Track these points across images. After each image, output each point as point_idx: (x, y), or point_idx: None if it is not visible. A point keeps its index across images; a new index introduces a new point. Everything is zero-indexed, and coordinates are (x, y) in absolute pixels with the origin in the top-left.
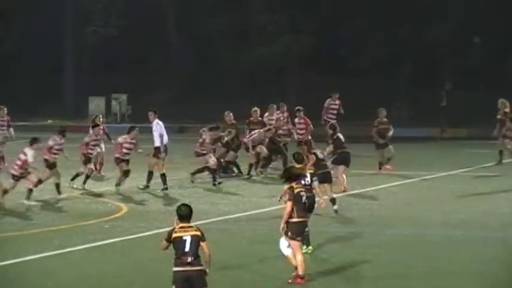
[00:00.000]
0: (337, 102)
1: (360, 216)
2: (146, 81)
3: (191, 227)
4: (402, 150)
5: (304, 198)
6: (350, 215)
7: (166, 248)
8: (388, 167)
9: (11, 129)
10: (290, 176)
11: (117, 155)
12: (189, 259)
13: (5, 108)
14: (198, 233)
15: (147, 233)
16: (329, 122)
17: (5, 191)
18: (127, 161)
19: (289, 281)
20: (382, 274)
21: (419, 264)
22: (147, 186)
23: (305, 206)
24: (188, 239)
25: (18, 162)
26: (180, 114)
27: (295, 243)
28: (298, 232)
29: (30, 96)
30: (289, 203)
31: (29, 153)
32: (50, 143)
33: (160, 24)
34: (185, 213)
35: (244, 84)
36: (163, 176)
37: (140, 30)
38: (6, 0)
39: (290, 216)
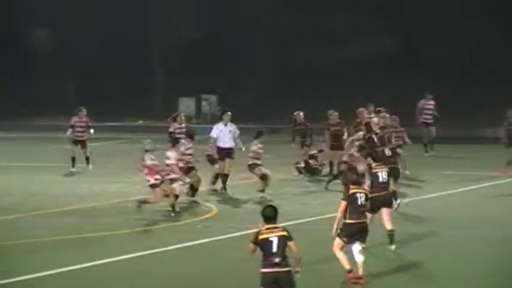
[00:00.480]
0: (431, 102)
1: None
2: (235, 82)
3: (277, 227)
4: None
5: (360, 199)
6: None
7: (254, 250)
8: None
9: (92, 130)
10: (348, 181)
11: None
12: (277, 260)
13: (85, 110)
14: (285, 233)
15: (237, 234)
16: (426, 123)
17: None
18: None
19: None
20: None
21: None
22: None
23: (361, 208)
24: (275, 240)
25: (168, 168)
26: (267, 115)
27: (339, 242)
28: (349, 234)
29: (120, 97)
30: (343, 203)
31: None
32: (182, 149)
33: (249, 25)
34: (270, 215)
35: (331, 84)
36: (226, 176)
37: (227, 32)
38: (92, 1)
39: (344, 217)
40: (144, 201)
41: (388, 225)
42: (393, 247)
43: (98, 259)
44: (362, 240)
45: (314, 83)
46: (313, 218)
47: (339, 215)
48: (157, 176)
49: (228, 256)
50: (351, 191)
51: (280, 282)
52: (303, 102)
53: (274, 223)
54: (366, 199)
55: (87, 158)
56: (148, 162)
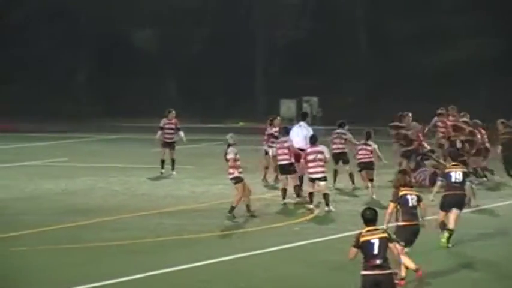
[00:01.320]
0: None
1: None
2: (336, 84)
3: (377, 229)
4: None
5: (411, 201)
6: None
7: (355, 255)
8: None
9: (181, 132)
10: (400, 183)
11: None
12: (378, 262)
13: (174, 112)
14: (386, 235)
15: (338, 236)
16: None
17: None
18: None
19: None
20: None
21: None
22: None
23: (413, 210)
24: (376, 242)
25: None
26: (368, 117)
27: (398, 247)
28: (402, 236)
29: (222, 99)
30: (391, 205)
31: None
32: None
33: (349, 27)
34: (370, 217)
35: (431, 87)
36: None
37: (330, 33)
38: (196, 1)
39: (397, 219)
40: (233, 207)
41: (452, 225)
42: (448, 245)
43: (198, 260)
44: (411, 242)
45: (418, 85)
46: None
47: (387, 216)
48: (241, 170)
49: (328, 258)
50: (401, 193)
51: (380, 285)
52: (407, 104)
53: (374, 225)
54: (419, 201)
55: (173, 161)
56: (232, 155)
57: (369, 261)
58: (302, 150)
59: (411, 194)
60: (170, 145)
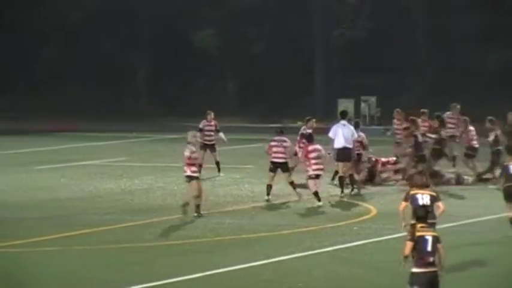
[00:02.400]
0: None
1: None
2: (395, 83)
3: (430, 227)
4: None
5: (422, 200)
6: None
7: (413, 249)
8: None
9: (221, 134)
10: (414, 184)
11: None
12: (431, 259)
13: (212, 113)
14: (436, 233)
15: (396, 235)
16: None
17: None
18: None
19: None
20: None
21: None
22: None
23: (423, 209)
24: (430, 239)
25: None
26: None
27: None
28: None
29: (281, 98)
30: (403, 203)
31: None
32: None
33: (408, 26)
34: (423, 214)
35: (493, 86)
36: (340, 178)
37: (388, 32)
38: (256, 0)
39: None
40: (186, 204)
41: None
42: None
43: (257, 260)
44: None
45: (480, 84)
46: (471, 220)
47: (401, 214)
48: (195, 169)
49: (385, 258)
50: (412, 192)
51: (433, 283)
52: (469, 103)
53: (426, 223)
54: (432, 201)
55: (217, 164)
56: (188, 153)
57: (422, 258)
58: (349, 149)
59: (422, 194)
60: (210, 147)
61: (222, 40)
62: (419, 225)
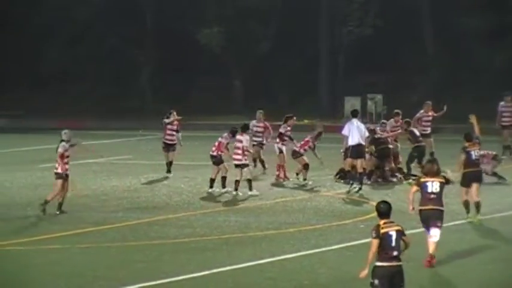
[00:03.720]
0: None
1: None
2: (401, 81)
3: (393, 222)
4: None
5: (431, 187)
6: None
7: (379, 246)
8: None
9: (179, 134)
10: (427, 171)
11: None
12: (395, 253)
13: (175, 112)
14: (400, 227)
15: None
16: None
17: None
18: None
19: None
20: None
21: None
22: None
23: (430, 196)
24: (394, 234)
25: (239, 151)
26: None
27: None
28: (423, 219)
29: (286, 96)
30: (413, 188)
31: (244, 139)
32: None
33: (414, 24)
34: (384, 210)
35: (499, 85)
36: (360, 174)
37: (395, 30)
38: (264, 0)
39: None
40: (46, 201)
41: (476, 198)
42: (478, 217)
43: (263, 258)
44: (434, 225)
45: (486, 82)
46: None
47: (410, 196)
48: (67, 167)
49: None
50: (422, 179)
51: (395, 277)
52: (475, 101)
53: (388, 218)
54: (441, 188)
55: (171, 163)
56: (61, 150)
57: (386, 253)
58: (363, 146)
59: (433, 181)
60: (171, 146)
61: (227, 38)
62: (383, 221)
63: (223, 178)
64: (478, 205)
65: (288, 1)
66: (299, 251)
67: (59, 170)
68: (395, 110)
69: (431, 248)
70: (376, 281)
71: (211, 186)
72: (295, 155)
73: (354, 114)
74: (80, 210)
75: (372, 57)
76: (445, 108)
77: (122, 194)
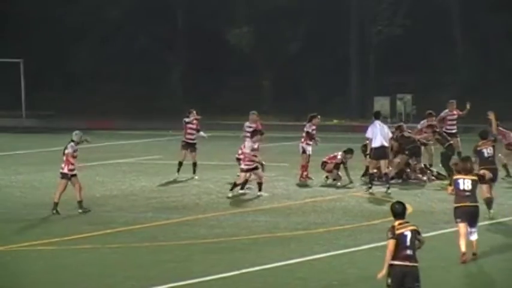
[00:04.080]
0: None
1: None
2: (431, 81)
3: (408, 222)
4: None
5: (464, 185)
6: None
7: (395, 247)
8: None
9: (201, 132)
10: (459, 169)
11: None
12: (409, 252)
13: (194, 111)
14: (415, 227)
15: (432, 233)
16: None
17: (236, 185)
18: None
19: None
20: None
21: None
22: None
23: (464, 193)
24: (409, 234)
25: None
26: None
27: (458, 226)
28: (458, 216)
29: (315, 96)
30: (448, 188)
31: (247, 144)
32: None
33: (444, 23)
34: (400, 211)
35: None
36: (371, 175)
37: (424, 30)
38: (293, 0)
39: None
40: (56, 203)
41: (487, 194)
42: (491, 212)
43: (292, 258)
44: (469, 223)
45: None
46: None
47: (449, 190)
48: (72, 167)
49: (421, 256)
50: (455, 177)
51: (407, 276)
52: (506, 101)
53: (404, 218)
54: (474, 185)
55: (195, 165)
56: (69, 150)
57: (400, 252)
58: (386, 147)
59: (464, 179)
60: (191, 146)
61: (257, 38)
62: (398, 222)
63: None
64: (488, 201)
65: (317, 1)
66: (328, 251)
67: (65, 170)
68: (428, 111)
69: (473, 245)
70: (389, 280)
71: (242, 188)
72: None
73: (377, 116)
74: (109, 211)
75: (401, 57)
76: (468, 106)
77: (151, 194)
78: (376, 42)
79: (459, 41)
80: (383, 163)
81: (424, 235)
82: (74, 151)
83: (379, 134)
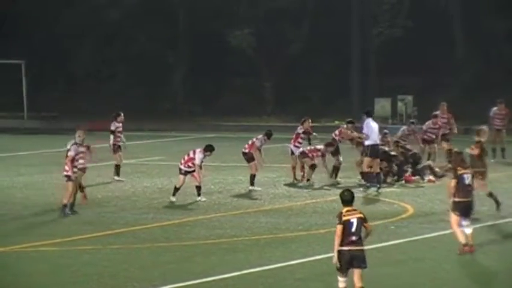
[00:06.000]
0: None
1: None
2: (431, 83)
3: (355, 210)
4: None
5: (467, 179)
6: None
7: (343, 231)
8: None
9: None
10: (457, 163)
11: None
12: (354, 238)
13: (122, 114)
14: (362, 215)
15: (432, 234)
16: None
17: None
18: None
19: (458, 252)
20: None
21: None
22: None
23: (467, 188)
24: (355, 221)
25: (186, 158)
26: (465, 115)
27: (454, 217)
28: (458, 209)
29: (317, 98)
30: (453, 181)
31: (198, 157)
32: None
33: (444, 25)
34: (348, 198)
35: None
36: (378, 174)
37: (425, 31)
38: (295, 1)
39: (454, 195)
40: (64, 205)
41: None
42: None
43: (293, 259)
44: (466, 215)
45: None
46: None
47: (451, 190)
48: (75, 170)
49: (422, 257)
50: (460, 172)
51: (354, 259)
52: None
53: (351, 206)
54: (472, 180)
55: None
56: (72, 153)
57: (346, 238)
58: (379, 146)
59: (466, 173)
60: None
61: (259, 40)
62: (345, 209)
63: (252, 176)
64: (491, 195)
65: (319, 2)
66: (329, 252)
67: (69, 173)
68: (434, 112)
69: (470, 238)
70: (338, 264)
71: (251, 184)
72: (303, 155)
73: (369, 114)
74: (111, 211)
75: (402, 58)
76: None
77: (153, 195)
78: (377, 43)
79: (460, 43)
80: (376, 162)
81: (425, 236)
82: (77, 154)
83: (374, 132)
